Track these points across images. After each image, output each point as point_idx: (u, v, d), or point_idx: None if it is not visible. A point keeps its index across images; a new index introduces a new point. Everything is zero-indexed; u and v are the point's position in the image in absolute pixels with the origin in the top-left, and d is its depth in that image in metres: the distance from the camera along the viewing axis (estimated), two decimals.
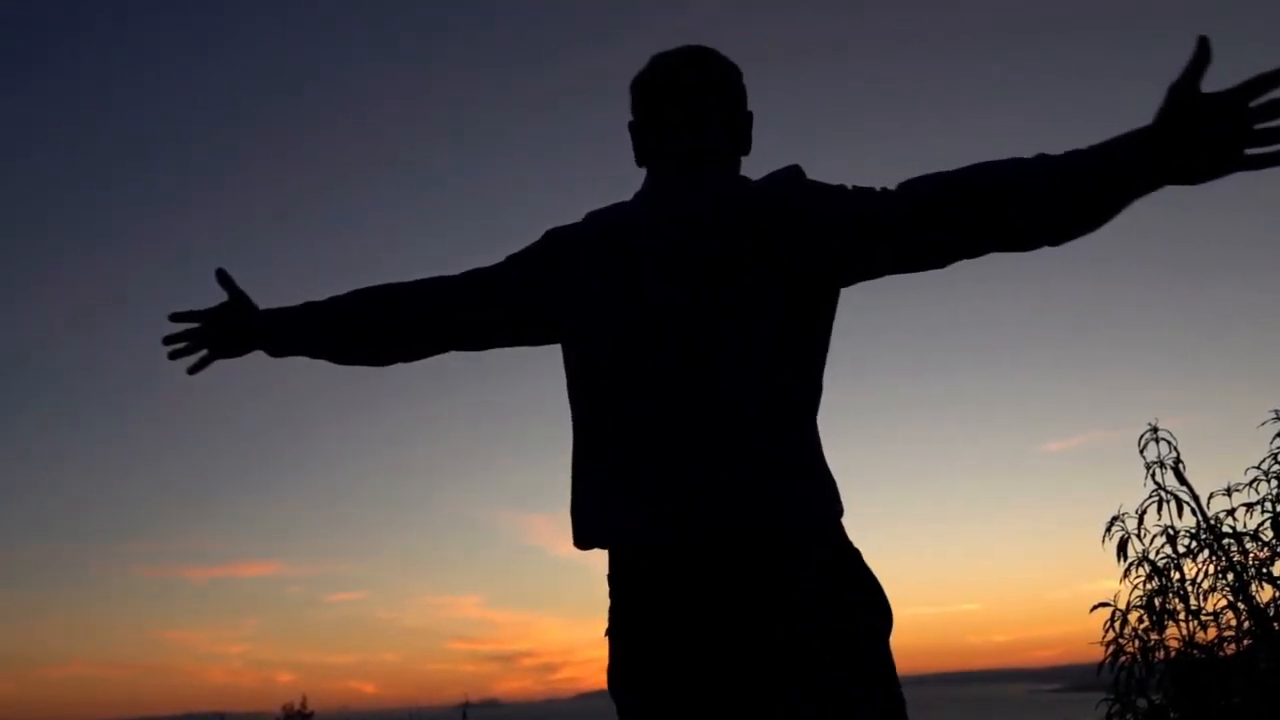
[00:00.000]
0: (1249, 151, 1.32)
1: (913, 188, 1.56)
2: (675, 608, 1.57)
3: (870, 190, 1.60)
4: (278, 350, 1.99)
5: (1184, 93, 1.32)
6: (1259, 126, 1.31)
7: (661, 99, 1.82)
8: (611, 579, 1.66)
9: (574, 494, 1.70)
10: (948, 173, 1.55)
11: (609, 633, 1.65)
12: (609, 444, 1.65)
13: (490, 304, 1.84)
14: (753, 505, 1.54)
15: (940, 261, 1.59)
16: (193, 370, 2.04)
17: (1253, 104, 1.30)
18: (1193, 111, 1.31)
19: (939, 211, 1.52)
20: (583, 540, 1.67)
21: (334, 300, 1.95)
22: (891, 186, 1.60)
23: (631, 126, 1.87)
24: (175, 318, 2.02)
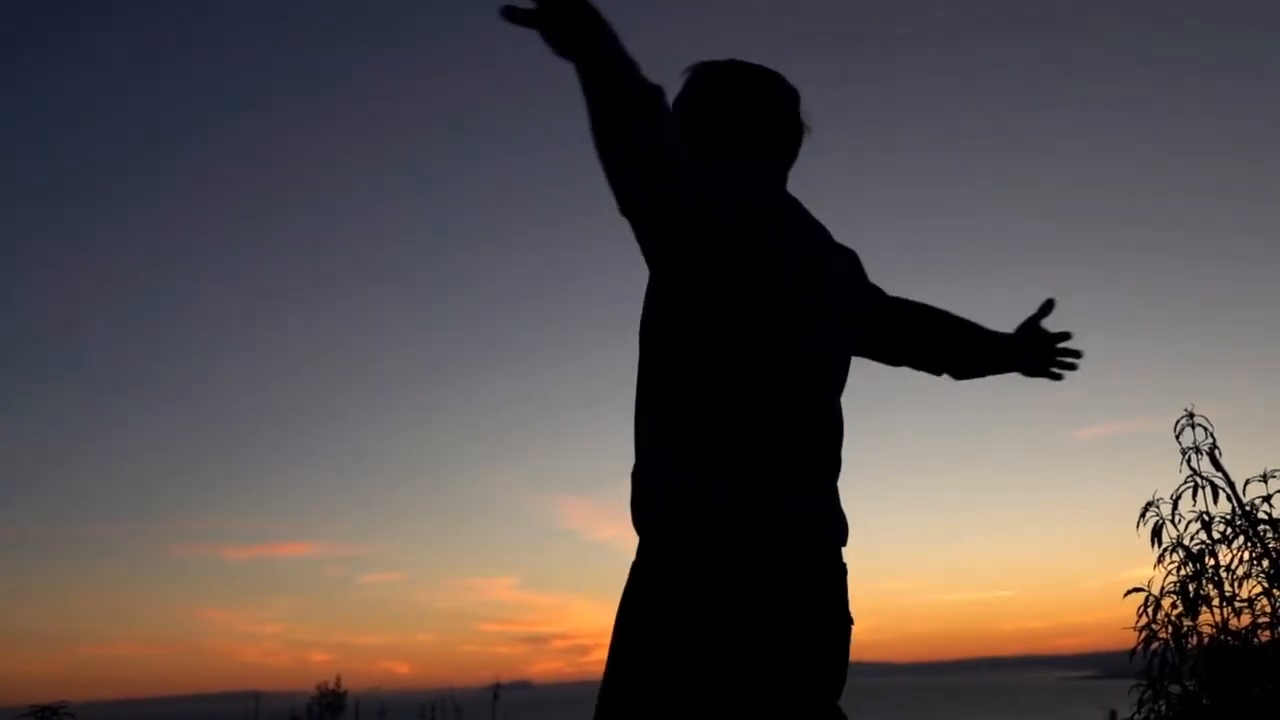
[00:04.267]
0: (1051, 369, 2.24)
1: (905, 309, 2.13)
2: (812, 600, 1.67)
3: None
4: (590, 52, 1.52)
5: (1031, 326, 2.22)
6: (1058, 359, 2.24)
7: (796, 113, 1.94)
8: (750, 563, 1.60)
9: (723, 466, 1.63)
10: (927, 308, 2.15)
11: (721, 614, 1.59)
12: (786, 428, 1.69)
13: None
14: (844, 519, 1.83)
15: (893, 364, 2.17)
16: (509, 13, 1.52)
17: (1057, 345, 2.22)
18: (1031, 339, 2.22)
19: (909, 338, 2.13)
20: (758, 518, 1.62)
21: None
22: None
23: (751, 114, 1.87)
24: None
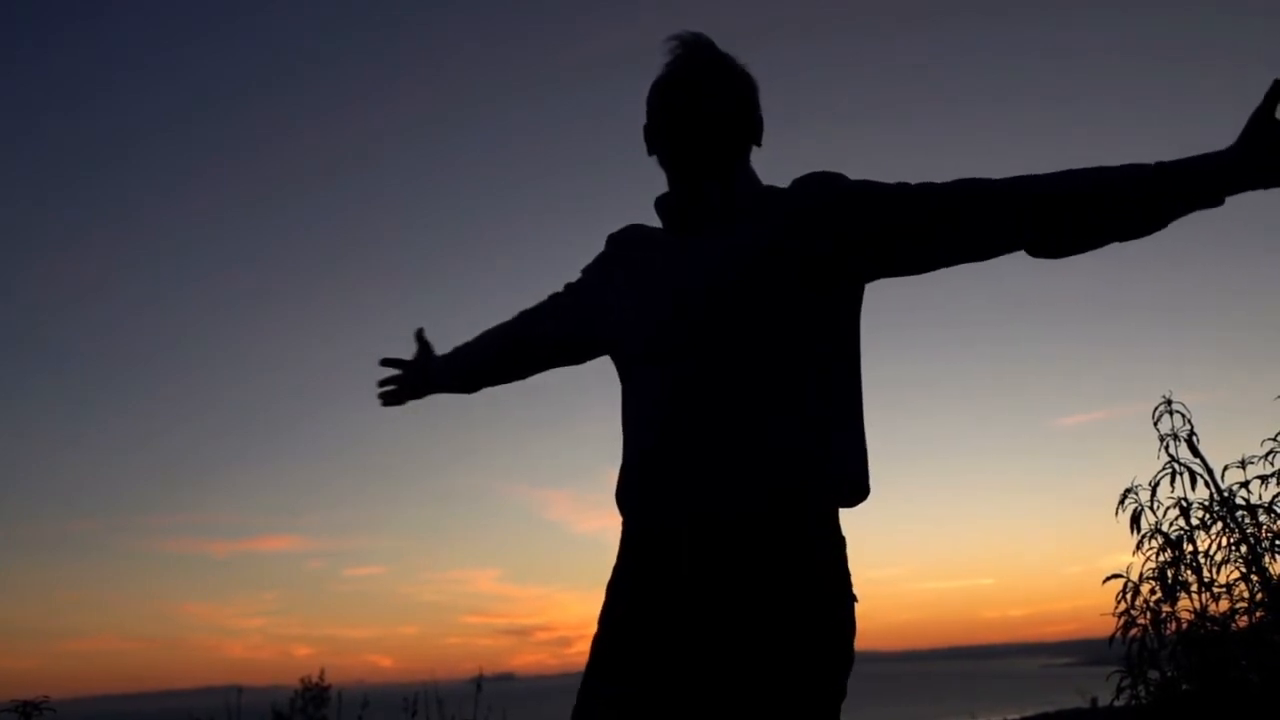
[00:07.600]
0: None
1: None
2: None
3: None
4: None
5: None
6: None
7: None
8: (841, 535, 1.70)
9: (861, 447, 1.74)
10: None
11: (848, 593, 1.67)
12: None
13: None
14: None
15: None
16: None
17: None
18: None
19: None
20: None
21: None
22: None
23: (755, 118, 1.82)
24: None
